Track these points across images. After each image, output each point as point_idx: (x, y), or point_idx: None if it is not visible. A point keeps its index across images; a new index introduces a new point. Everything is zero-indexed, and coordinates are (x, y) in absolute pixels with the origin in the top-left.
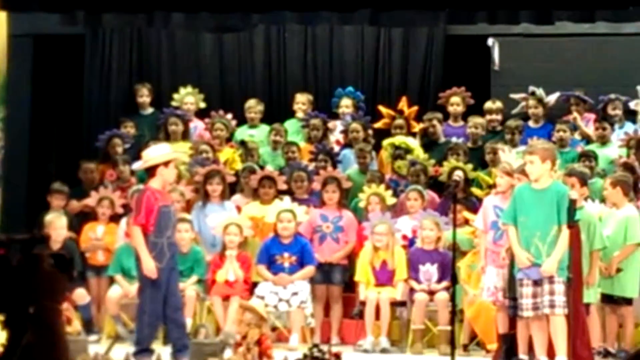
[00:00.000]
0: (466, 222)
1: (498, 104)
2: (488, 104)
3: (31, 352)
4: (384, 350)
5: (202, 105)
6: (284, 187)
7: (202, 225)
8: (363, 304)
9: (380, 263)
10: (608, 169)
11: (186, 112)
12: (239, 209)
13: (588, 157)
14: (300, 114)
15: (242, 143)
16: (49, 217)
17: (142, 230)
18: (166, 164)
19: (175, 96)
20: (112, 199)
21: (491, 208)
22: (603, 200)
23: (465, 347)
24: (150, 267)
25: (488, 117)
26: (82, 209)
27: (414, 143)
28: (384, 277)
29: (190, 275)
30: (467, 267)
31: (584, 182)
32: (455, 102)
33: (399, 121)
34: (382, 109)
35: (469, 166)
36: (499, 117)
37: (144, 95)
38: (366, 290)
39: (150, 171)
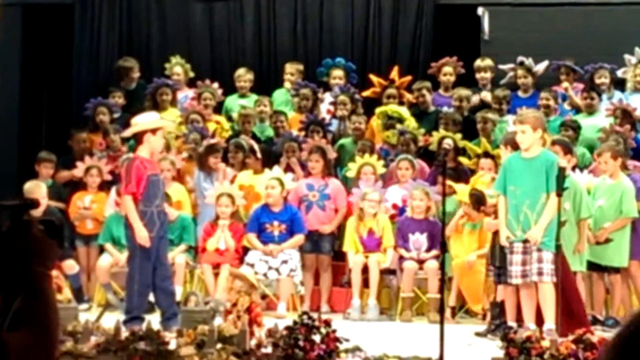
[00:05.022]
0: (453, 192)
1: (487, 62)
2: (477, 62)
3: (22, 317)
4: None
5: (191, 74)
6: (259, 156)
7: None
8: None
9: (366, 231)
10: (594, 139)
11: (176, 81)
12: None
13: (567, 126)
14: (288, 84)
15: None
16: (28, 186)
17: (132, 199)
18: (154, 131)
19: (167, 65)
20: (99, 167)
21: None
22: (584, 168)
23: (453, 311)
24: (143, 235)
25: (477, 75)
26: (71, 178)
27: (407, 113)
28: (371, 244)
29: (179, 244)
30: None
31: (568, 150)
32: (448, 71)
33: (391, 90)
34: (373, 77)
35: (458, 135)
36: (488, 74)
37: (136, 72)
38: (354, 257)
39: (138, 138)
